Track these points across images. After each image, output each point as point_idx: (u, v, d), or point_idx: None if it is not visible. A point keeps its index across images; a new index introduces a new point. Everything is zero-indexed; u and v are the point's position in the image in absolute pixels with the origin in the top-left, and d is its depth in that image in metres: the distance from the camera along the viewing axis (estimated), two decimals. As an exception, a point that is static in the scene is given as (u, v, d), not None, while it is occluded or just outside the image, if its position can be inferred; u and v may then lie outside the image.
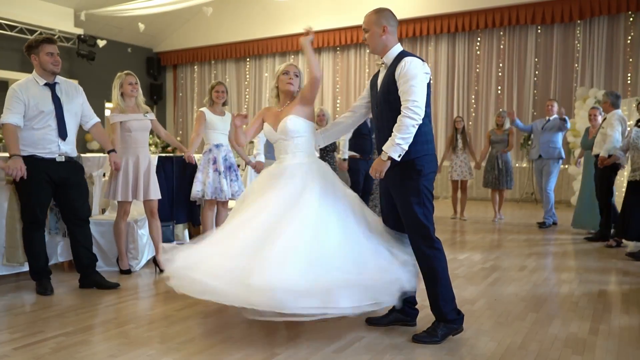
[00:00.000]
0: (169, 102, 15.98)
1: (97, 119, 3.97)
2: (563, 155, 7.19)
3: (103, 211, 4.75)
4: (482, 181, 7.87)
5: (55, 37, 12.25)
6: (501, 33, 10.98)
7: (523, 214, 8.61)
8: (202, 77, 15.23)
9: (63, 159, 3.68)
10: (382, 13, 2.86)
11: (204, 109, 4.80)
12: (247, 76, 14.38)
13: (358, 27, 12.09)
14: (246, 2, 13.04)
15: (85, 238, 3.78)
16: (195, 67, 15.30)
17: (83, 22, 12.54)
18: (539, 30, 10.61)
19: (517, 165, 10.68)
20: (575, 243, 5.86)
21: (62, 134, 3.67)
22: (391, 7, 11.14)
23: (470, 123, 11.34)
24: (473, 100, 11.34)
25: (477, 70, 11.27)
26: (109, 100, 14.44)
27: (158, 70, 15.59)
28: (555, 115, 7.12)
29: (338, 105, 12.84)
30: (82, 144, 12.59)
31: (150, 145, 12.65)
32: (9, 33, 11.47)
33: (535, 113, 10.67)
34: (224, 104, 4.88)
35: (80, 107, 3.88)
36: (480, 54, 11.22)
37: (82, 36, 12.65)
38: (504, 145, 7.62)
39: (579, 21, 10.17)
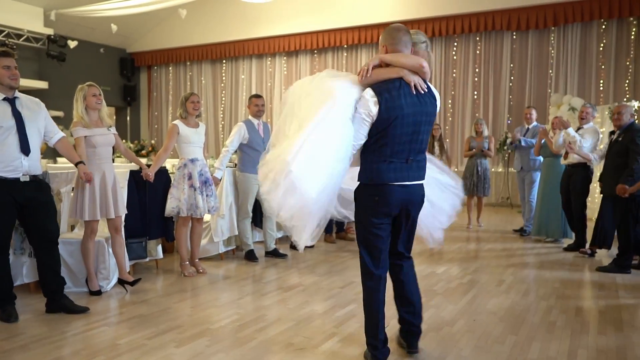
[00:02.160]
0: (144, 103, 15.68)
1: (62, 134, 3.81)
2: None
3: (72, 228, 4.58)
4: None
5: (24, 37, 11.89)
6: (477, 38, 11.04)
7: (500, 220, 8.67)
8: (178, 78, 14.98)
9: (28, 179, 3.52)
10: (383, 33, 2.77)
11: (177, 122, 4.65)
12: (224, 78, 14.19)
13: (335, 30, 12.06)
14: (222, 4, 12.85)
15: (53, 261, 3.62)
16: (171, 68, 15.03)
17: (53, 22, 12.17)
18: (514, 37, 10.71)
19: (493, 169, 10.76)
20: (551, 253, 5.91)
21: (25, 149, 3.50)
22: (368, 12, 11.12)
23: (447, 128, 11.39)
24: (450, 105, 11.39)
25: (454, 75, 11.32)
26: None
27: (132, 71, 15.27)
28: (535, 123, 7.16)
29: (315, 108, 12.74)
30: (53, 151, 12.25)
31: (119, 156, 12.44)
32: (-26, 33, 11.08)
33: (510, 118, 10.78)
34: (197, 116, 4.73)
35: (44, 122, 3.71)
36: (457, 59, 11.27)
37: (52, 36, 12.29)
38: (482, 155, 7.65)
39: (553, 28, 10.30)
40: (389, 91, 2.56)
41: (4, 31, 11.52)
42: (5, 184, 3.41)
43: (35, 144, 3.59)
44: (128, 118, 15.62)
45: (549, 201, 6.37)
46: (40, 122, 3.68)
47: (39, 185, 3.61)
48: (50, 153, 10.92)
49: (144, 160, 10.52)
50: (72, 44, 12.51)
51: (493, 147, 7.91)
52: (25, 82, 12.42)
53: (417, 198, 2.73)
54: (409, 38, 2.70)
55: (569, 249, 6.00)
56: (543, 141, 6.47)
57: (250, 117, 5.36)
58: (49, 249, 3.61)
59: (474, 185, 7.64)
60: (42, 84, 12.71)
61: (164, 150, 4.55)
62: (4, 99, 3.49)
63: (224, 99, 14.14)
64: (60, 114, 13.34)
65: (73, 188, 4.75)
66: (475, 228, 7.75)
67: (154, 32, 14.54)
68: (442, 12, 10.90)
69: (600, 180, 5.36)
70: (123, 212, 4.13)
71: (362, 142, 2.62)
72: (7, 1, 11.55)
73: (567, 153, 5.91)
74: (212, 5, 12.92)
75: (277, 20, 12.58)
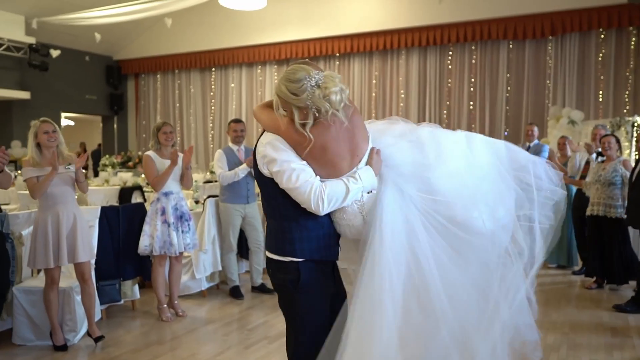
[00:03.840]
0: (131, 111, 15.26)
1: (9, 172, 3.42)
2: None
3: (39, 271, 4.19)
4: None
5: (4, 46, 11.46)
6: (473, 47, 10.73)
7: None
8: (166, 86, 14.57)
9: None
10: None
11: (150, 153, 4.27)
12: (213, 86, 13.80)
13: (327, 39, 11.71)
14: (211, 11, 12.44)
15: None
16: (159, 76, 14.62)
17: (35, 30, 11.74)
18: (511, 46, 10.40)
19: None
20: (557, 283, 5.59)
21: None
22: (361, 20, 10.72)
23: (443, 139, 11.07)
24: (445, 116, 11.08)
25: (449, 85, 11.00)
26: (65, 111, 13.72)
27: (119, 79, 14.85)
28: (537, 141, 6.83)
29: (307, 118, 12.39)
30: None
31: (106, 165, 11.99)
32: (-48, 43, 10.64)
33: (508, 130, 10.48)
34: (172, 146, 4.34)
35: None
36: (452, 69, 10.95)
37: (34, 45, 11.86)
38: None
39: (550, 37, 9.99)
40: None
41: (-18, 40, 11.09)
42: None
43: None
44: (115, 127, 15.20)
45: (557, 226, 6.02)
46: None
47: None
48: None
49: (129, 175, 10.18)
50: (55, 53, 12.09)
51: None
52: (6, 93, 12.00)
53: None
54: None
55: (577, 272, 5.77)
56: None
57: (230, 143, 4.98)
58: None
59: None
60: (24, 94, 12.29)
61: (155, 176, 4.18)
62: None
63: (213, 107, 13.76)
64: (43, 124, 12.92)
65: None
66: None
67: (142, 39, 14.13)
68: (436, 21, 10.58)
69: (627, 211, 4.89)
70: (87, 257, 3.68)
71: None
72: (-14, 9, 11.13)
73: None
74: (201, 13, 12.53)
75: (268, 28, 12.21)
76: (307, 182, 1.92)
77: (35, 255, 3.49)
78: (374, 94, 11.71)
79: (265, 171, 2.00)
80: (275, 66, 12.81)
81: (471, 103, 10.82)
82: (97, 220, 4.08)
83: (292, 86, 1.94)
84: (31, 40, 11.89)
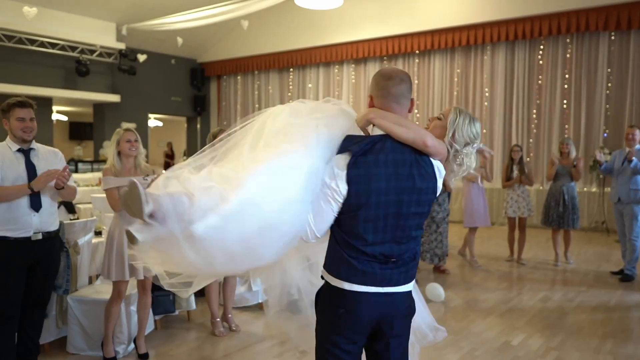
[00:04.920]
0: (213, 112, 15.67)
1: (73, 185, 3.40)
2: None
3: (96, 277, 4.21)
4: (542, 218, 6.84)
5: (97, 52, 12.12)
6: (567, 40, 9.77)
7: (593, 253, 7.49)
8: (246, 87, 14.79)
9: (40, 236, 3.19)
10: (373, 78, 2.05)
11: None
12: (291, 86, 13.79)
13: (405, 36, 11.23)
14: (289, 12, 12.39)
15: (34, 329, 3.31)
16: (239, 77, 14.87)
17: (125, 37, 12.34)
18: (613, 37, 9.34)
19: (585, 189, 9.47)
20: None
21: (35, 205, 3.16)
22: (442, 15, 10.03)
23: (531, 140, 10.22)
24: (534, 115, 10.20)
25: (540, 82, 10.11)
26: (152, 112, 14.35)
27: (202, 81, 15.30)
28: (639, 146, 5.98)
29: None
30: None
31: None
32: (52, 51, 11.41)
33: (607, 131, 9.43)
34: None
35: None
36: (543, 64, 10.05)
37: (123, 51, 12.46)
38: (570, 178, 6.60)
39: (661, 26, 8.83)
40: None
41: (77, 47, 11.80)
42: (14, 246, 3.09)
43: (48, 199, 3.23)
44: (198, 127, 15.68)
45: None
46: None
47: (51, 245, 3.29)
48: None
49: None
50: (142, 57, 12.63)
51: (581, 169, 6.76)
52: (99, 97, 12.73)
53: (400, 310, 1.97)
54: (404, 89, 1.96)
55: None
56: None
57: None
58: (33, 313, 3.28)
59: (560, 216, 6.58)
60: (115, 98, 12.96)
61: None
62: (18, 150, 3.18)
63: (290, 108, 13.71)
64: (133, 125, 13.59)
65: (100, 232, 4.43)
66: (564, 265, 6.69)
67: (223, 41, 14.43)
68: (526, 12, 9.75)
69: None
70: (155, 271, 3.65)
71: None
72: (82, 18, 11.83)
73: None
74: (278, 14, 12.53)
75: (345, 26, 11.95)
76: None
77: (109, 267, 3.47)
78: (455, 93, 11.06)
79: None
80: (353, 65, 12.52)
81: (565, 101, 9.87)
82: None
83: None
84: (121, 46, 12.52)
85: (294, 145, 1.89)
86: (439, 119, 2.10)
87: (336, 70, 12.83)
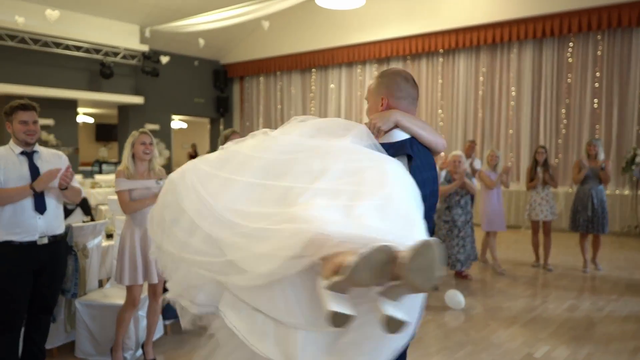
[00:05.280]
0: (236, 114, 15.69)
1: (78, 186, 3.35)
2: None
3: (107, 280, 4.16)
4: (570, 223, 6.55)
5: (121, 55, 12.24)
6: (598, 37, 9.40)
7: (625, 259, 7.15)
8: (268, 88, 14.75)
9: (46, 240, 3.14)
10: (383, 78, 1.95)
11: None
12: (313, 87, 13.69)
13: (429, 35, 11.00)
14: (311, 12, 12.31)
15: (40, 334, 3.27)
16: (261, 78, 14.84)
17: (148, 39, 12.44)
18: (647, 33, 8.94)
19: (617, 192, 9.08)
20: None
21: (40, 207, 3.11)
22: (467, 12, 9.75)
23: (560, 141, 9.87)
24: (563, 115, 9.85)
25: (569, 80, 9.76)
26: (176, 114, 14.48)
27: (225, 83, 15.33)
28: None
29: (408, 119, 11.75)
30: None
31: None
32: (76, 53, 11.57)
33: (640, 132, 9.04)
34: None
35: None
36: (573, 62, 9.70)
37: (146, 53, 12.56)
38: (599, 181, 6.30)
39: (699, 21, 8.41)
40: None
41: (101, 50, 11.94)
42: (19, 250, 3.05)
43: (53, 201, 3.19)
44: (221, 128, 15.72)
45: None
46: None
47: (57, 248, 3.23)
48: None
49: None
50: (164, 59, 12.72)
51: (610, 172, 6.44)
52: (123, 98, 12.86)
53: None
54: (416, 92, 1.97)
55: None
56: None
57: None
58: (39, 319, 3.24)
59: (589, 221, 6.29)
60: (139, 99, 13.08)
61: None
62: (22, 153, 3.14)
63: (312, 109, 13.63)
64: (156, 127, 13.69)
65: (111, 235, 4.39)
66: (593, 272, 6.39)
67: (246, 43, 14.43)
68: (554, 9, 9.42)
69: None
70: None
71: None
72: (106, 21, 11.97)
73: None
74: (300, 14, 12.45)
75: (368, 26, 11.79)
76: None
77: (122, 271, 3.41)
78: (480, 92, 10.77)
79: None
80: (376, 65, 12.34)
81: (595, 100, 9.50)
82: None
83: None
84: (144, 48, 12.62)
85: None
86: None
87: (359, 71, 12.68)
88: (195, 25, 11.58)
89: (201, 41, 12.07)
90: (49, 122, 11.77)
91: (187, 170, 1.78)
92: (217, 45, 14.03)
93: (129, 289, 3.46)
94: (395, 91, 1.90)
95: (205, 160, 1.80)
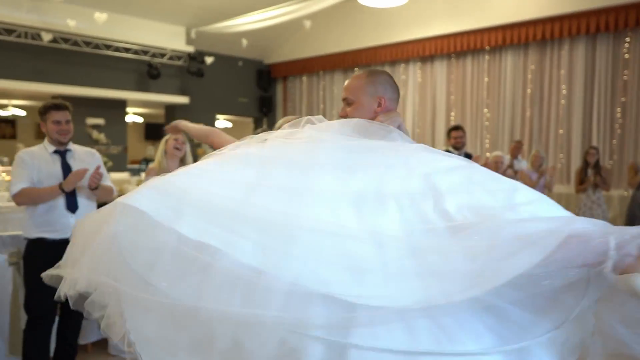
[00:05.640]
0: (279, 113, 15.77)
1: (110, 185, 3.41)
2: None
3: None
4: (625, 229, 6.17)
5: (167, 56, 12.54)
6: (659, 31, 8.85)
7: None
8: (311, 88, 14.76)
9: None
10: (376, 77, 1.88)
11: None
12: (356, 87, 13.56)
13: (475, 32, 10.68)
14: (354, 11, 12.21)
15: (72, 331, 3.32)
16: (304, 78, 14.86)
17: (194, 40, 12.68)
18: None
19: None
20: None
21: (71, 206, 3.18)
22: (515, 8, 9.44)
23: (615, 142, 9.35)
24: (619, 115, 9.34)
25: (625, 77, 9.24)
26: (220, 114, 14.74)
27: (268, 82, 15.45)
28: None
29: (452, 118, 11.48)
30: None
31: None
32: (125, 55, 11.93)
33: None
34: None
35: None
36: (630, 58, 9.17)
37: (191, 54, 12.82)
38: None
39: None
40: None
41: (149, 51, 12.26)
42: (52, 248, 3.13)
43: (84, 200, 3.25)
44: (264, 127, 15.83)
45: None
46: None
47: None
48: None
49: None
50: (209, 60, 12.93)
51: None
52: (170, 99, 13.18)
53: None
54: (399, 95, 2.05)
55: None
56: None
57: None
58: (70, 315, 3.31)
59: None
60: (184, 99, 13.36)
61: None
62: (55, 152, 3.23)
63: (355, 109, 13.51)
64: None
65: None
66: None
67: (289, 43, 14.48)
68: (610, 2, 8.93)
69: None
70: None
71: None
72: (153, 23, 12.28)
73: None
74: (342, 13, 12.37)
75: (411, 23, 11.57)
76: None
77: None
78: (529, 91, 10.36)
79: None
80: (419, 63, 12.10)
81: (654, 99, 8.96)
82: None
83: None
84: (190, 49, 12.88)
85: None
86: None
87: (402, 69, 12.47)
88: (239, 26, 11.72)
89: (244, 41, 12.20)
90: (100, 121, 12.21)
91: None
92: (260, 45, 14.14)
93: None
94: (389, 92, 1.86)
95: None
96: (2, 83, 10.51)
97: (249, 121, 16.79)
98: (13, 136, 14.72)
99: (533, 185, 6.18)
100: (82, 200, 3.18)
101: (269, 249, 1.26)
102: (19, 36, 10.34)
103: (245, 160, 1.54)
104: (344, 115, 1.90)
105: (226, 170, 1.52)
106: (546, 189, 6.28)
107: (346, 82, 1.93)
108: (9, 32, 10.23)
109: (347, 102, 1.89)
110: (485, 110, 10.98)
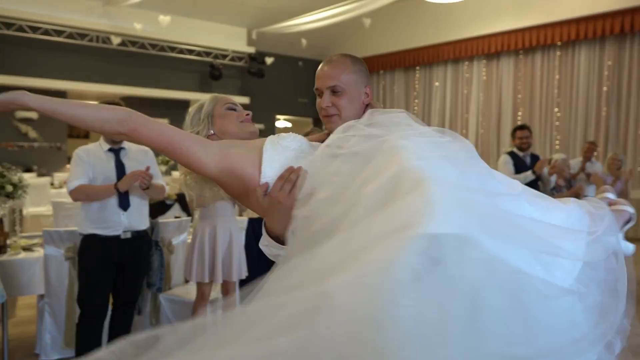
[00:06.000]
0: (338, 114, 15.66)
1: (162, 182, 3.41)
2: None
3: (187, 281, 4.23)
4: None
5: (229, 57, 12.75)
6: None
7: None
8: (371, 87, 14.50)
9: (129, 235, 3.23)
10: (361, 64, 1.68)
11: None
12: (417, 85, 13.24)
13: (546, 26, 10.10)
14: (415, 7, 11.90)
15: (124, 327, 3.34)
16: (364, 77, 14.66)
17: (255, 41, 12.83)
18: None
19: None
20: None
21: (124, 204, 3.20)
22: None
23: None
24: None
25: None
26: (280, 114, 14.83)
27: (328, 82, 15.37)
28: None
29: (519, 118, 10.92)
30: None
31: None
32: (188, 57, 12.24)
33: None
34: None
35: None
36: None
37: (252, 55, 12.97)
38: None
39: None
40: None
41: (211, 53, 12.51)
42: (105, 243, 3.17)
43: (136, 198, 3.27)
44: (323, 128, 15.76)
45: None
46: None
47: (140, 243, 3.31)
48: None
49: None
50: (269, 60, 13.03)
51: None
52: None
53: None
54: None
55: None
56: None
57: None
58: (123, 311, 3.30)
59: None
60: (245, 99, 13.53)
61: None
62: (109, 150, 3.27)
63: (416, 108, 13.19)
64: (261, 126, 14.09)
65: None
66: None
67: (349, 42, 14.34)
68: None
69: None
70: (239, 276, 3.61)
71: None
72: (215, 25, 12.52)
73: None
74: (403, 10, 12.09)
75: (475, 19, 11.12)
76: None
77: (191, 267, 3.50)
78: (605, 89, 9.66)
79: None
80: (484, 61, 11.61)
81: None
82: (240, 243, 3.87)
83: None
84: (251, 50, 13.04)
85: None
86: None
87: (465, 67, 12.02)
88: (298, 26, 11.73)
89: (303, 41, 12.20)
90: (165, 121, 12.58)
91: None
92: (320, 45, 14.09)
93: (198, 285, 3.53)
94: (368, 82, 1.70)
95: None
96: (77, 85, 11.06)
97: (308, 121, 16.79)
98: (86, 135, 15.48)
99: (603, 190, 5.66)
100: (134, 199, 3.21)
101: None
102: (90, 40, 10.83)
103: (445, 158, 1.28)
104: (330, 106, 1.63)
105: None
106: (622, 195, 5.78)
107: (325, 68, 1.64)
108: (82, 36, 10.73)
109: (332, 90, 1.61)
110: (556, 109, 10.36)
